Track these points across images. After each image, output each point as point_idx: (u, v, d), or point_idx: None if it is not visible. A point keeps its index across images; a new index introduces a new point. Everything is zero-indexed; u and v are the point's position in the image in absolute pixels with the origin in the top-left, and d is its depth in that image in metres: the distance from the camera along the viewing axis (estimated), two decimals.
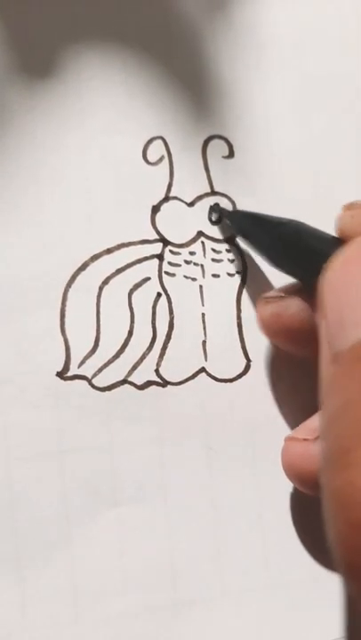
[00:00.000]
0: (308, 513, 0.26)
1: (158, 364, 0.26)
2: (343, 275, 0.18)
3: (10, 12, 0.26)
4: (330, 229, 0.23)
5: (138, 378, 0.26)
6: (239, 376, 0.26)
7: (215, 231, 0.27)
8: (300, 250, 0.23)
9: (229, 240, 0.27)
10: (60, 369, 0.25)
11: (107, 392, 0.26)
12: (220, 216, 0.27)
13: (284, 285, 0.25)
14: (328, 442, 0.15)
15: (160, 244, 0.26)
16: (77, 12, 0.27)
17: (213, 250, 0.27)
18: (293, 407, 0.26)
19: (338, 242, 0.22)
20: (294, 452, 0.24)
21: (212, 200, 0.27)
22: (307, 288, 0.23)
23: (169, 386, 0.26)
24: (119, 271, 0.26)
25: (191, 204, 0.27)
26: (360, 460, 0.14)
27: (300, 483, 0.24)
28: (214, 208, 0.27)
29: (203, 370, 0.26)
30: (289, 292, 0.24)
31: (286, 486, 0.26)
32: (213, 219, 0.27)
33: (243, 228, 0.25)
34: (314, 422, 0.23)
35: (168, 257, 0.26)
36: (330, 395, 0.16)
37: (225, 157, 0.27)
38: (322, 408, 0.17)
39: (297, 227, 0.23)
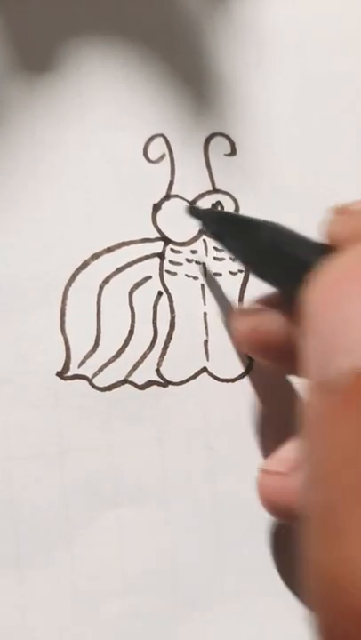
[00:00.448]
0: None
1: (159, 364, 0.26)
2: (334, 292, 0.15)
3: (10, 6, 0.26)
4: None
5: (139, 377, 0.26)
6: (241, 376, 0.26)
7: None
8: (279, 256, 0.20)
9: None
10: (60, 369, 0.25)
11: (107, 392, 0.26)
12: (193, 214, 0.25)
13: (261, 296, 0.23)
14: (311, 497, 0.13)
15: (161, 243, 0.26)
16: (78, 8, 0.26)
17: (215, 248, 0.27)
18: (294, 407, 0.26)
19: (323, 248, 0.19)
20: (271, 488, 0.22)
21: (213, 198, 0.27)
22: (287, 298, 0.20)
23: (170, 386, 0.26)
24: (120, 270, 0.26)
25: (193, 202, 0.27)
26: (354, 530, 0.12)
27: (279, 516, 0.22)
28: (191, 210, 0.26)
29: (204, 370, 0.26)
30: (267, 303, 0.22)
31: None
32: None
33: (216, 230, 0.24)
34: (288, 453, 0.22)
35: (169, 255, 0.26)
36: (315, 436, 0.14)
37: (227, 155, 0.27)
38: (305, 443, 0.14)
39: (275, 230, 0.21)
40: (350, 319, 0.15)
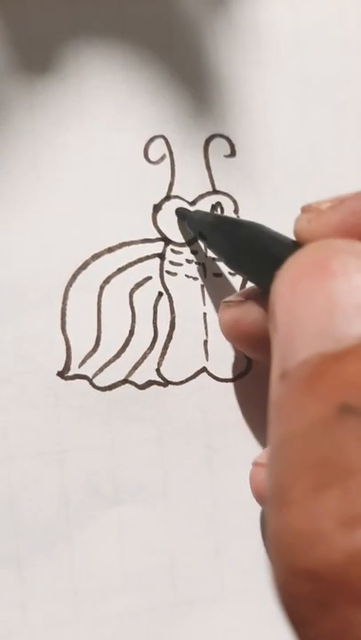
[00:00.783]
0: None
1: (159, 364, 0.26)
2: (293, 286, 0.16)
3: (10, 8, 0.26)
4: None
5: (139, 377, 0.26)
6: (240, 375, 0.27)
7: None
8: (257, 253, 0.22)
9: None
10: (60, 368, 0.25)
11: (107, 392, 0.26)
12: (180, 215, 0.26)
13: (245, 289, 0.25)
14: (270, 476, 0.14)
15: (161, 243, 0.26)
16: (78, 10, 0.27)
17: None
18: None
19: (295, 246, 0.21)
20: (260, 479, 0.23)
21: (213, 199, 0.27)
22: (265, 294, 0.22)
23: (170, 385, 0.26)
24: (120, 270, 0.26)
25: (193, 203, 0.27)
26: (296, 500, 0.13)
27: None
28: (177, 211, 0.26)
29: (204, 369, 0.26)
30: (249, 296, 0.24)
31: None
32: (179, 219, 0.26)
33: (201, 230, 0.25)
34: None
35: (169, 256, 0.26)
36: (276, 421, 0.15)
37: (226, 156, 0.27)
38: (268, 432, 0.16)
39: (255, 229, 0.22)
40: (305, 313, 0.16)
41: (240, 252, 0.23)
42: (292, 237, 0.22)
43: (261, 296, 0.23)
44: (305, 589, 0.13)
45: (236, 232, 0.23)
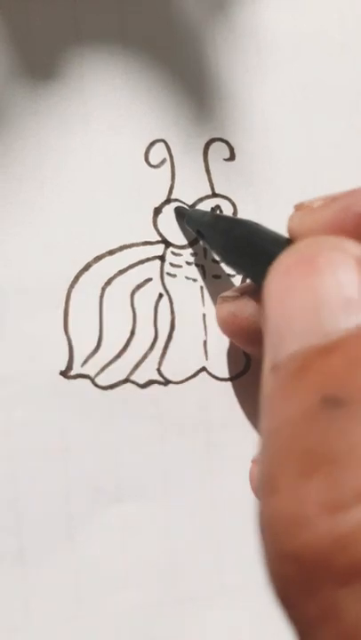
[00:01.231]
0: None
1: (160, 364, 0.26)
2: (283, 281, 0.17)
3: (13, 14, 0.26)
4: None
5: (140, 377, 0.26)
6: (239, 374, 0.27)
7: None
8: (252, 250, 0.22)
9: None
10: (63, 368, 0.25)
11: (109, 391, 0.26)
12: (179, 214, 0.26)
13: (242, 284, 0.25)
14: (261, 466, 0.15)
15: (162, 246, 0.27)
16: (80, 16, 0.27)
17: None
18: None
19: (288, 243, 0.21)
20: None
21: (213, 202, 0.27)
22: (259, 289, 0.22)
23: (170, 384, 0.26)
24: (121, 272, 0.26)
25: (192, 206, 0.27)
26: (283, 486, 0.14)
27: None
28: (176, 210, 0.27)
29: (203, 369, 0.26)
30: (245, 291, 0.24)
31: None
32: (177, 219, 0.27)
33: (199, 228, 0.25)
34: None
35: (169, 258, 0.27)
36: (265, 412, 0.16)
37: (226, 160, 0.27)
38: (260, 424, 0.16)
39: (251, 227, 0.23)
40: (293, 308, 0.16)
41: (236, 249, 0.23)
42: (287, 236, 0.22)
43: (257, 291, 0.23)
44: (292, 572, 0.13)
45: (232, 230, 0.23)
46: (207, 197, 0.27)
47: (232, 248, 0.23)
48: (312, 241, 0.17)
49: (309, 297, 0.16)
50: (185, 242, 0.27)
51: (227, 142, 0.27)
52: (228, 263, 0.24)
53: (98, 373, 0.26)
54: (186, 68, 0.27)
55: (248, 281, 0.27)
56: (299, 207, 0.22)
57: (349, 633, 0.13)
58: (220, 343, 0.27)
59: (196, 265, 0.27)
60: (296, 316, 0.16)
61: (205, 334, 0.26)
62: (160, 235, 0.27)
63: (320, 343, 0.15)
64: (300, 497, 0.14)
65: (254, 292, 0.24)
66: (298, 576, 0.13)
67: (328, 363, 0.15)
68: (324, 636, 0.13)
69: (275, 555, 0.14)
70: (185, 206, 0.27)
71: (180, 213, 0.26)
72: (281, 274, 0.17)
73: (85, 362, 0.26)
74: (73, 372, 0.26)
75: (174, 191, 0.27)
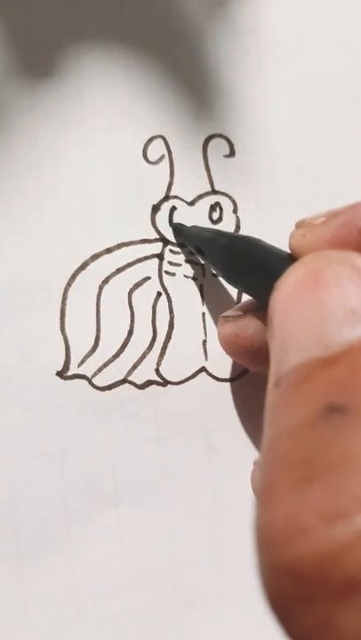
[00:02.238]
0: None
1: (158, 364, 0.26)
2: (289, 296, 0.17)
3: (10, 11, 0.26)
4: None
5: (138, 377, 0.26)
6: (239, 375, 0.27)
7: None
8: (254, 267, 0.22)
9: None
10: (60, 368, 0.26)
11: (107, 391, 0.26)
12: (177, 230, 0.26)
13: (243, 303, 0.25)
14: (259, 474, 0.15)
15: (160, 244, 0.26)
16: (79, 11, 0.27)
17: None
18: None
19: (291, 260, 0.21)
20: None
21: (212, 199, 0.27)
22: (262, 307, 0.22)
23: (169, 385, 0.26)
24: (119, 270, 0.26)
25: (192, 204, 0.27)
26: (280, 496, 0.14)
27: None
28: (174, 226, 0.27)
29: (203, 369, 0.26)
30: (247, 310, 0.24)
31: None
32: (174, 221, 0.27)
33: (198, 244, 0.25)
34: None
35: (168, 256, 0.27)
36: (268, 422, 0.16)
37: (226, 156, 0.27)
38: (262, 437, 0.16)
39: (252, 243, 0.23)
40: (298, 321, 0.16)
41: (237, 267, 0.23)
42: (288, 248, 0.22)
43: (259, 309, 0.23)
44: (287, 585, 0.13)
45: (232, 246, 0.23)
46: (207, 194, 0.27)
47: (233, 265, 0.23)
48: (318, 255, 0.17)
49: (314, 310, 0.16)
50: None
51: (226, 138, 0.27)
52: (229, 280, 0.24)
53: (95, 374, 0.26)
54: (185, 64, 0.27)
55: (245, 297, 0.27)
56: (300, 224, 0.22)
57: None
58: None
59: (196, 263, 0.27)
60: (300, 329, 0.16)
61: (205, 334, 0.26)
62: (158, 232, 0.27)
63: (324, 355, 0.15)
64: (297, 506, 0.13)
65: (256, 309, 0.24)
66: (293, 589, 0.13)
67: (331, 373, 0.15)
68: None
69: (269, 567, 0.14)
70: (184, 206, 0.27)
71: (179, 230, 0.26)
72: (288, 289, 0.17)
73: (82, 362, 0.26)
74: (70, 373, 0.26)
75: (173, 188, 0.27)
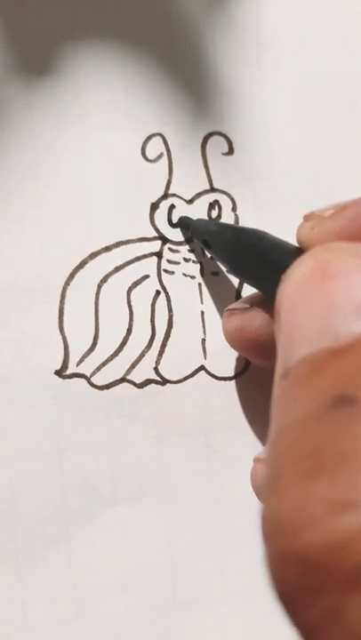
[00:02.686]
0: None
1: (157, 363, 0.26)
2: (298, 288, 0.17)
3: (8, 9, 0.26)
4: None
5: (137, 376, 0.26)
6: (239, 374, 0.26)
7: None
8: (260, 260, 0.22)
9: None
10: (58, 367, 0.25)
11: (105, 390, 0.26)
12: (183, 224, 0.26)
13: (249, 296, 0.25)
14: (267, 466, 0.15)
15: (159, 242, 0.26)
16: (76, 9, 0.27)
17: None
18: None
19: (299, 253, 0.21)
20: (261, 476, 0.24)
21: (211, 197, 0.27)
22: (269, 300, 0.22)
23: (168, 384, 0.26)
24: (118, 269, 0.26)
25: (190, 202, 0.27)
26: (288, 486, 0.14)
27: None
28: (181, 220, 0.26)
29: (202, 368, 0.26)
30: (253, 303, 0.24)
31: None
32: (173, 221, 0.27)
33: (205, 237, 0.25)
34: None
35: (167, 255, 0.26)
36: (275, 415, 0.16)
37: (224, 154, 0.27)
38: (269, 429, 0.16)
39: (258, 236, 0.23)
40: (307, 313, 0.16)
41: (244, 259, 0.23)
42: (293, 241, 0.22)
43: (265, 302, 0.23)
44: (295, 574, 0.13)
45: (239, 239, 0.23)
46: (205, 192, 0.27)
47: (239, 258, 0.23)
48: (327, 247, 0.17)
49: (322, 302, 0.16)
50: (182, 238, 0.27)
51: (225, 136, 0.27)
52: (236, 273, 0.24)
53: (94, 373, 0.26)
54: (184, 62, 0.27)
55: (246, 286, 0.26)
56: (308, 217, 0.22)
57: (355, 638, 0.12)
58: (220, 342, 0.26)
59: (194, 261, 0.27)
60: (308, 321, 0.16)
61: (204, 332, 0.26)
62: (157, 231, 0.26)
63: (332, 346, 0.15)
64: (306, 496, 0.13)
65: (262, 302, 0.24)
66: (301, 578, 0.13)
67: (339, 365, 0.15)
68: (329, 639, 0.13)
69: (277, 555, 0.14)
70: (183, 204, 0.27)
71: (185, 224, 0.26)
72: (296, 281, 0.17)
73: (81, 361, 0.26)
74: (68, 372, 0.26)
75: (172, 186, 0.27)
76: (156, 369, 0.26)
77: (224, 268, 0.26)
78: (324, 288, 0.16)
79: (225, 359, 0.26)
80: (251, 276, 0.23)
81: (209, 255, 0.26)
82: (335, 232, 0.21)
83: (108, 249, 0.26)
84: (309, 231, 0.21)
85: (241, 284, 0.27)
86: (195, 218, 0.26)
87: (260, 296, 0.24)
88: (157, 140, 0.27)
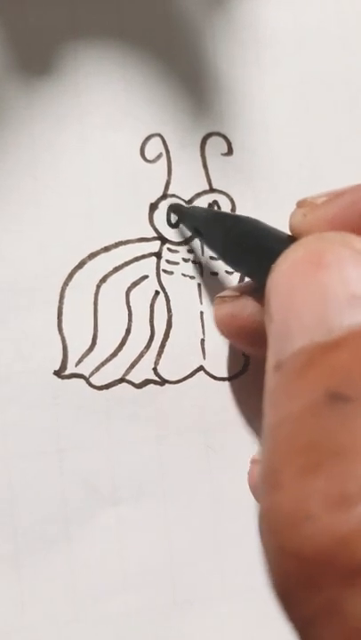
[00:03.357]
0: None
1: (156, 363, 0.26)
2: (288, 278, 0.17)
3: (8, 8, 0.26)
4: None
5: (136, 376, 0.26)
6: (238, 374, 0.26)
7: None
8: (253, 248, 0.22)
9: None
10: (57, 367, 0.25)
11: (104, 391, 0.26)
12: (178, 218, 0.26)
13: (241, 284, 0.25)
14: (262, 461, 0.15)
15: (158, 242, 0.26)
16: (76, 8, 0.27)
17: None
18: None
19: (291, 240, 0.20)
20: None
21: (210, 197, 0.27)
22: (260, 288, 0.22)
23: (167, 384, 0.26)
24: (117, 269, 0.26)
25: (189, 202, 0.27)
26: (285, 481, 0.14)
27: None
28: (173, 207, 0.26)
29: (201, 368, 0.26)
30: (245, 291, 0.24)
31: None
32: (173, 221, 0.26)
33: (197, 225, 0.25)
34: None
35: (166, 255, 0.26)
36: (269, 408, 0.16)
37: (224, 155, 0.27)
38: (263, 422, 0.16)
39: (251, 224, 0.22)
40: (299, 305, 0.16)
41: (235, 247, 0.23)
42: (288, 233, 0.22)
43: (256, 290, 0.23)
44: (293, 570, 0.13)
45: (231, 227, 0.23)
46: (204, 193, 0.27)
47: (232, 245, 0.23)
48: (318, 237, 0.17)
49: (315, 293, 0.16)
50: (181, 238, 0.27)
51: (224, 137, 0.27)
52: (228, 261, 0.24)
53: (93, 373, 0.26)
54: (183, 61, 0.27)
55: (246, 280, 0.26)
56: (301, 203, 0.22)
57: (353, 633, 0.12)
58: (218, 342, 0.26)
59: (194, 262, 0.27)
60: (302, 312, 0.16)
61: (203, 333, 0.26)
62: (156, 231, 0.26)
63: (325, 340, 0.15)
64: (304, 492, 0.13)
65: (254, 290, 0.23)
66: (299, 574, 0.13)
67: (333, 359, 0.15)
68: (327, 635, 0.13)
69: (275, 551, 0.14)
70: (182, 203, 0.26)
71: (177, 210, 0.26)
72: (287, 270, 0.17)
73: (80, 361, 0.26)
74: (67, 372, 0.26)
75: (171, 187, 0.27)
76: (155, 369, 0.26)
77: (216, 255, 0.25)
78: (317, 279, 0.16)
79: (224, 359, 0.26)
80: (242, 265, 0.23)
81: (203, 252, 0.26)
82: (327, 219, 0.20)
83: (107, 249, 0.26)
84: (301, 218, 0.21)
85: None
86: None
87: (252, 284, 0.24)
88: (156, 140, 0.27)
